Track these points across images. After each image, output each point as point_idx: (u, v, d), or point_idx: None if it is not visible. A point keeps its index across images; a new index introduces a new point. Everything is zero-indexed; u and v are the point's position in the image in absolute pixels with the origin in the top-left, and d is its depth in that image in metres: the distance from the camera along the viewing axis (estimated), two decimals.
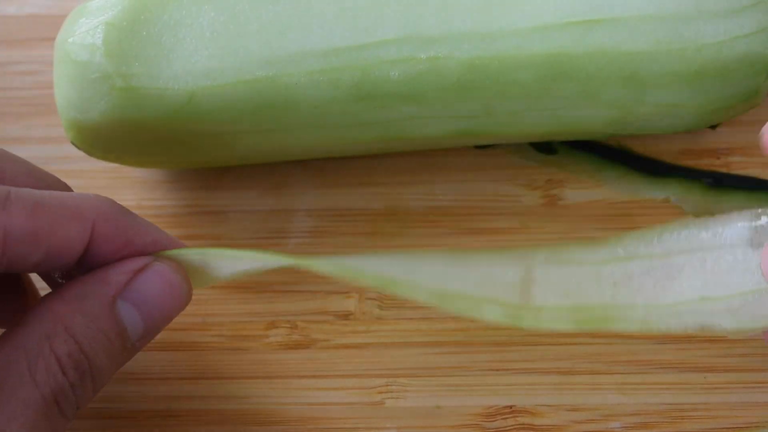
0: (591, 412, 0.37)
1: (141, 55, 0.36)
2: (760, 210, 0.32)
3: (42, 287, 0.36)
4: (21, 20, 0.47)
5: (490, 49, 0.36)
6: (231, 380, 0.38)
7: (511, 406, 0.37)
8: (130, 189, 0.42)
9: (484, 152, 0.42)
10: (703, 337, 0.38)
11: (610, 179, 0.42)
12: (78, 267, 0.31)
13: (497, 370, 0.38)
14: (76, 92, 0.36)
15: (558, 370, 0.38)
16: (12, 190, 0.29)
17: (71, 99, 0.36)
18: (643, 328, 0.32)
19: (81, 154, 0.39)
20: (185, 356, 0.39)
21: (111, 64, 0.36)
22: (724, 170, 0.42)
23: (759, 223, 0.31)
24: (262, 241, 0.41)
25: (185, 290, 0.32)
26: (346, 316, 0.39)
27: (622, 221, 0.41)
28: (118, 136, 0.37)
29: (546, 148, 0.42)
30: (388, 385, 0.38)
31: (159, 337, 0.33)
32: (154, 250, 0.32)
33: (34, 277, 0.37)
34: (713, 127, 0.41)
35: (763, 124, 0.42)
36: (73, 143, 0.38)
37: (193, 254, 0.33)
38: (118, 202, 0.32)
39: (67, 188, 0.35)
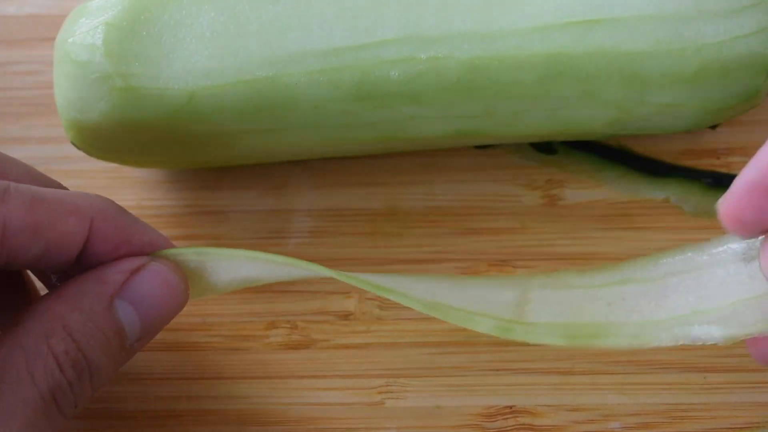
0: (591, 412, 0.37)
1: (141, 55, 0.36)
2: None
3: (42, 288, 0.36)
4: (21, 20, 0.47)
5: (490, 49, 0.36)
6: (231, 380, 0.38)
7: (511, 406, 0.37)
8: (130, 189, 0.42)
9: (484, 152, 0.42)
10: None
11: (610, 179, 0.42)
12: (76, 267, 0.31)
13: (497, 370, 0.38)
14: (76, 92, 0.36)
15: (558, 370, 0.38)
16: (12, 184, 0.29)
17: (71, 99, 0.36)
18: (633, 343, 0.32)
19: (81, 154, 0.39)
20: (185, 356, 0.39)
21: (111, 64, 0.36)
22: (724, 170, 0.42)
23: (751, 240, 0.31)
24: (262, 241, 0.41)
25: (183, 290, 0.32)
26: (346, 316, 0.39)
27: (622, 221, 0.41)
28: (118, 136, 0.37)
29: (546, 148, 0.42)
30: (388, 385, 0.38)
31: (159, 337, 0.33)
32: (151, 250, 0.32)
33: (36, 281, 0.37)
34: (713, 127, 0.41)
35: (763, 124, 0.42)
36: (73, 143, 0.38)
37: (190, 254, 0.33)
38: (118, 202, 0.32)
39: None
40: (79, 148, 0.38)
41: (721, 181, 0.41)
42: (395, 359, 0.38)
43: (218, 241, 0.41)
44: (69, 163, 0.42)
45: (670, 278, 0.33)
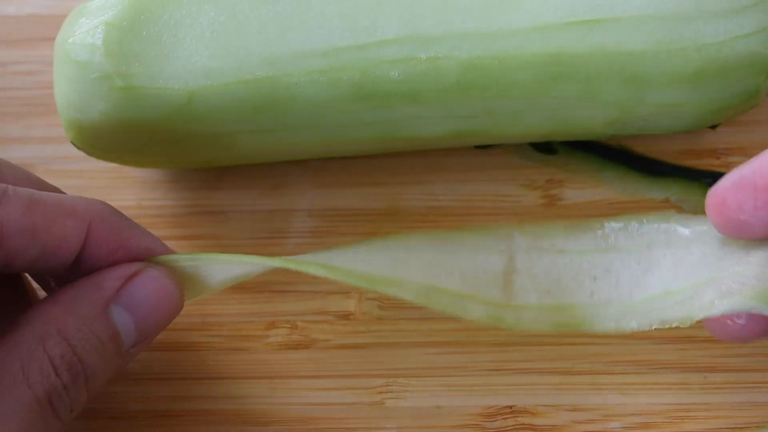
0: (591, 412, 0.37)
1: (141, 55, 0.36)
2: None
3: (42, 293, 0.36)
4: (21, 20, 0.47)
5: (490, 49, 0.36)
6: (231, 380, 0.38)
7: (511, 406, 0.37)
8: (130, 189, 0.42)
9: (484, 152, 0.42)
10: (703, 337, 0.38)
11: (610, 179, 0.42)
12: (73, 272, 0.31)
13: (497, 370, 0.38)
14: (76, 92, 0.36)
15: (558, 370, 0.38)
16: (9, 186, 0.30)
17: (71, 99, 0.36)
18: (618, 328, 0.33)
19: (81, 154, 0.39)
20: (185, 356, 0.39)
21: (111, 64, 0.36)
22: (724, 170, 0.41)
23: None
24: (262, 242, 0.41)
25: (178, 296, 0.33)
26: (346, 316, 0.39)
27: None
28: (118, 136, 0.37)
29: (546, 148, 0.42)
30: (388, 385, 0.38)
31: (159, 337, 0.33)
32: (147, 254, 0.33)
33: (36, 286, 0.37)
34: (713, 127, 0.41)
35: (763, 124, 0.42)
36: (73, 143, 0.38)
37: (185, 260, 0.33)
38: (118, 202, 0.33)
39: None
40: (79, 148, 0.38)
41: None
42: (395, 359, 0.38)
43: (218, 241, 0.41)
44: (69, 163, 0.42)
45: (653, 250, 0.34)
